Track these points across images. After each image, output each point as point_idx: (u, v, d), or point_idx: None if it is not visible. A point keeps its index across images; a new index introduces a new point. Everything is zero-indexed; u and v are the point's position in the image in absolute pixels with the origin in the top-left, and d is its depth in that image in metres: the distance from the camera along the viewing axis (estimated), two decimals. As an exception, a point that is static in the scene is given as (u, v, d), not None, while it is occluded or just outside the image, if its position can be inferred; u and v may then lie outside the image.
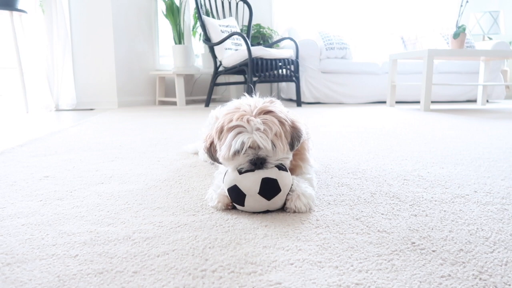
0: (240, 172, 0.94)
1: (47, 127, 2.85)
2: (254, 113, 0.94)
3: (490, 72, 5.22)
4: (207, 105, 4.76)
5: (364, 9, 6.17)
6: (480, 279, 0.63)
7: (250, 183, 0.92)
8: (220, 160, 0.99)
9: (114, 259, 0.71)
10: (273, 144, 0.93)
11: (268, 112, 0.96)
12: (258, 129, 0.92)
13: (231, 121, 0.94)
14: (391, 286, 0.61)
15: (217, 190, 1.00)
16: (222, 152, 0.95)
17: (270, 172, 0.94)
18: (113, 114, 3.78)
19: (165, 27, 5.31)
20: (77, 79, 4.78)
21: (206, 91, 5.58)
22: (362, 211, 0.95)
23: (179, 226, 0.87)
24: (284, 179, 0.95)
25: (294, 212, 0.95)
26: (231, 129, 0.94)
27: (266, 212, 0.95)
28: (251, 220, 0.90)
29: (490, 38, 6.11)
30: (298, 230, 0.84)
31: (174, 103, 5.30)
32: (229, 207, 0.97)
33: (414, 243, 0.77)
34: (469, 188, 1.16)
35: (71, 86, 4.60)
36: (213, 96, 5.42)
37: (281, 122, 0.96)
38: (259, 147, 0.93)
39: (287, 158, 0.99)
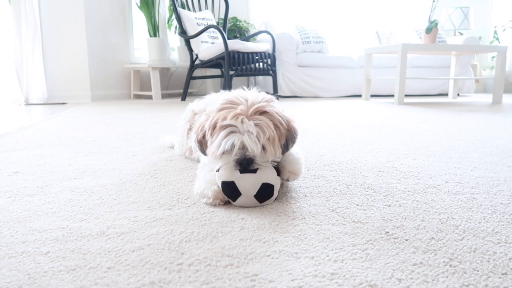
0: (240, 171, 0.92)
1: (16, 121, 2.75)
2: (249, 112, 0.91)
3: (461, 67, 5.37)
4: (183, 99, 4.71)
5: (340, 3, 6.22)
6: (450, 265, 0.65)
7: (249, 185, 0.91)
8: (208, 156, 0.98)
9: (88, 255, 0.69)
10: (264, 148, 0.92)
11: (263, 112, 0.93)
12: (250, 132, 0.89)
13: (225, 119, 0.91)
14: (365, 275, 0.62)
15: (212, 187, 0.96)
16: (211, 149, 0.93)
17: (271, 176, 0.94)
18: (86, 108, 3.69)
19: (139, 19, 5.20)
20: (48, 71, 4.62)
21: (182, 85, 5.52)
22: (337, 203, 0.97)
23: (154, 220, 0.86)
24: (278, 184, 0.97)
25: (287, 180, 1.02)
26: (223, 127, 0.91)
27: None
28: (228, 213, 0.90)
29: (461, 33, 6.28)
30: (275, 222, 0.84)
31: (150, 97, 5.21)
32: (223, 203, 0.96)
33: (388, 232, 0.78)
34: (441, 178, 1.19)
35: (41, 79, 4.45)
36: (189, 90, 5.36)
37: (276, 126, 0.94)
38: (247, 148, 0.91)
39: (276, 161, 0.99)
